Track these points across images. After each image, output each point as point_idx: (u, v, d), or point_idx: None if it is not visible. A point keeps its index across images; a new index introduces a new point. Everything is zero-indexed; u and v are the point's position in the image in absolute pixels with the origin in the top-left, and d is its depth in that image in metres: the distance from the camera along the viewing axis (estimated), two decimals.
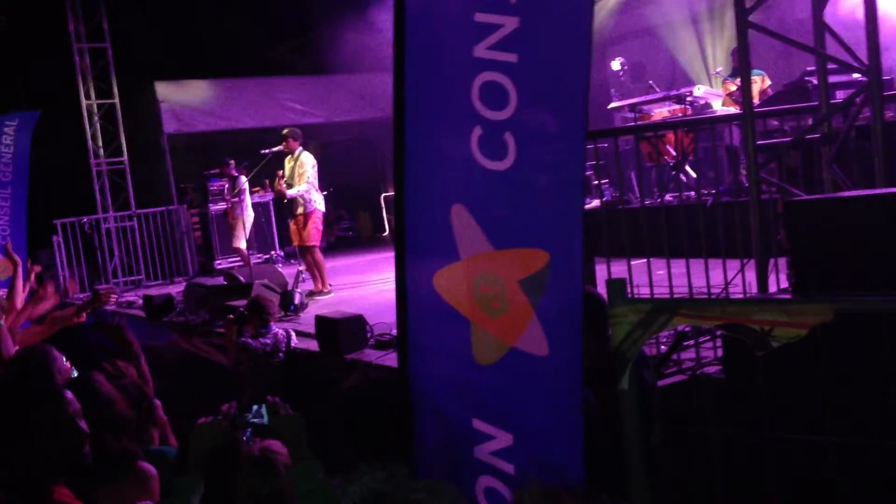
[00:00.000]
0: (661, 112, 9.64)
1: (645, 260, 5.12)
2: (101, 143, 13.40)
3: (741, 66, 4.61)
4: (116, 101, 13.33)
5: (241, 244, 10.97)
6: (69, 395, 2.49)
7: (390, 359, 5.85)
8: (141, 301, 10.14)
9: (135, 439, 3.05)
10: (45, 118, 11.99)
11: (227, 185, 11.42)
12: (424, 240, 3.09)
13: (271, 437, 2.75)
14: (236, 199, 10.91)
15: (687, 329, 4.64)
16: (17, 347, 4.54)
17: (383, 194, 16.69)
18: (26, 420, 2.41)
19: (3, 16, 13.02)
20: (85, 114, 13.22)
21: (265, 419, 2.68)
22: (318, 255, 9.22)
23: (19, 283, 5.82)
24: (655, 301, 2.39)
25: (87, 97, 13.22)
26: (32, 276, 6.10)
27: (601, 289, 4.28)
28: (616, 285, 2.38)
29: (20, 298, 5.75)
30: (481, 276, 2.82)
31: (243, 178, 10.87)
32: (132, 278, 13.03)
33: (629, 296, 2.43)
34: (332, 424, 3.20)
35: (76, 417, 2.45)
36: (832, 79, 5.36)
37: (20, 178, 12.80)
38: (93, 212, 13.08)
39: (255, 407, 2.70)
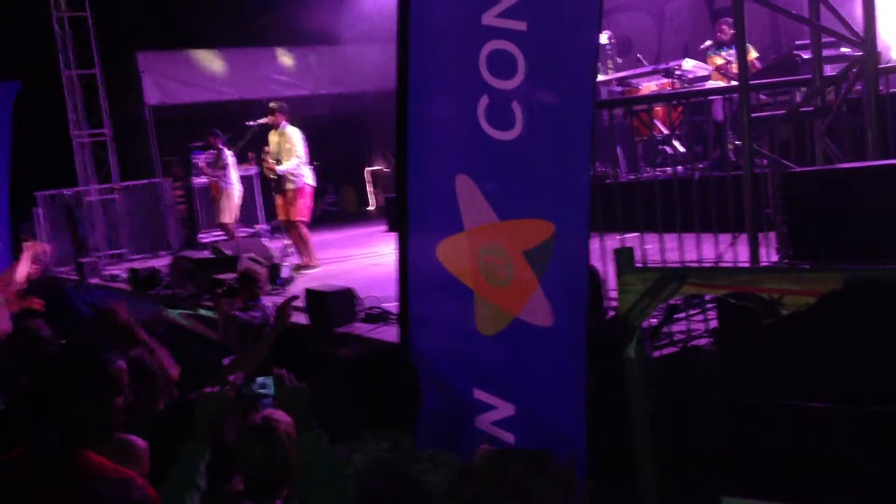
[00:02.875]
0: (649, 86, 9.63)
1: (637, 234, 5.13)
2: (82, 115, 13.21)
3: (737, 39, 4.60)
4: (97, 71, 13.12)
5: (226, 219, 10.87)
6: (119, 364, 2.50)
7: (380, 332, 5.85)
8: (125, 274, 10.06)
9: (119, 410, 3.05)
10: (25, 88, 11.79)
11: (211, 158, 11.28)
12: (428, 210, 3.08)
13: (276, 407, 2.77)
14: (220, 172, 10.77)
15: (678, 302, 4.67)
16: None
17: (368, 168, 16.62)
18: (66, 387, 2.42)
19: None
20: (66, 84, 13.00)
21: (271, 390, 2.69)
22: (304, 230, 9.17)
23: (23, 264, 5.77)
24: (664, 270, 2.40)
25: (68, 67, 13.00)
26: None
27: (596, 261, 4.32)
28: (624, 254, 2.38)
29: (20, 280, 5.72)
30: (486, 246, 2.81)
31: (227, 152, 10.75)
32: (115, 252, 12.92)
33: None
34: (333, 394, 3.21)
35: (116, 386, 2.47)
36: None
37: (1, 149, 12.63)
38: (74, 184, 12.94)
39: (260, 378, 2.70)
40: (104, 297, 9.38)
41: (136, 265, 10.65)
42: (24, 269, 5.58)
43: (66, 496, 2.32)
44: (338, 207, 16.80)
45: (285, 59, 14.94)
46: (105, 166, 13.35)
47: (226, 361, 2.74)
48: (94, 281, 10.58)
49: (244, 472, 2.81)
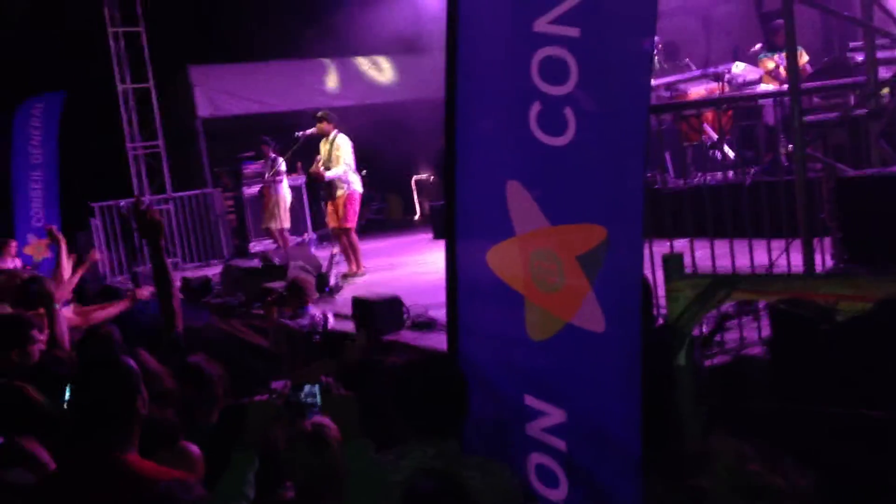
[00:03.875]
0: (697, 91, 9.50)
1: (687, 240, 5.06)
2: (136, 127, 13.51)
3: (787, 42, 4.53)
4: (151, 85, 13.41)
5: (283, 224, 11.02)
6: (131, 364, 2.56)
7: (427, 339, 5.86)
8: (178, 283, 10.24)
9: (178, 415, 3.10)
10: (81, 102, 12.10)
11: (265, 165, 11.44)
12: (478, 216, 3.08)
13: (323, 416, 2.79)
14: (277, 179, 10.96)
15: (729, 309, 4.60)
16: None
17: (414, 177, 16.67)
18: (95, 391, 2.48)
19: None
20: (121, 98, 13.31)
21: (318, 399, 2.71)
22: (354, 237, 9.26)
23: (63, 260, 5.92)
24: (714, 276, 2.37)
25: (123, 81, 13.29)
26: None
27: (645, 268, 4.27)
28: (673, 261, 2.36)
29: (66, 277, 5.87)
30: (538, 252, 2.80)
31: (281, 160, 10.93)
32: (168, 261, 13.06)
33: None
34: (380, 401, 3.22)
35: (138, 389, 2.52)
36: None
37: (50, 159, 12.95)
38: (130, 195, 13.21)
39: (307, 387, 2.72)
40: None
41: (189, 274, 10.83)
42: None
43: (114, 500, 2.36)
44: (383, 216, 16.88)
45: (331, 70, 15.10)
46: (158, 177, 13.62)
47: (274, 385, 2.77)
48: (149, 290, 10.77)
49: (295, 480, 2.83)
